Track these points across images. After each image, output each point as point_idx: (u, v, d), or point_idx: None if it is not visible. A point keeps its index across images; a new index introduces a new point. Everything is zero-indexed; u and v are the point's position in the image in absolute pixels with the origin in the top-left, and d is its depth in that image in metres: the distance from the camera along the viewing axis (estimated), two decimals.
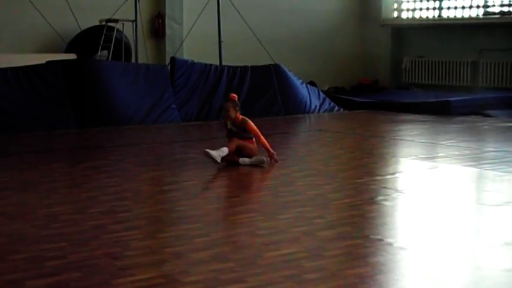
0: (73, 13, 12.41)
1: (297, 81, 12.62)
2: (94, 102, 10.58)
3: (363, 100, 13.44)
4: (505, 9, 14.32)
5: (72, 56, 11.79)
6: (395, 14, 16.24)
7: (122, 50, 12.57)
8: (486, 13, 14.64)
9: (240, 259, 4.37)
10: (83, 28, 12.62)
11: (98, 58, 12.22)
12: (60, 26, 12.57)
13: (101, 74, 10.73)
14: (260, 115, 11.68)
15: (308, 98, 12.56)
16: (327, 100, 12.95)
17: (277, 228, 5.08)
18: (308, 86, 12.91)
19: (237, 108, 7.63)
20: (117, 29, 12.47)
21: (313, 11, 15.60)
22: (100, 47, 12.37)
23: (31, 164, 7.75)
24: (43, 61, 10.60)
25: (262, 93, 12.08)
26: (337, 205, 5.89)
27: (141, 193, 6.54)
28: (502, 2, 14.35)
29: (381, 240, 4.83)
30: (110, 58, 12.34)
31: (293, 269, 4.14)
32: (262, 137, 7.63)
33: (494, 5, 14.49)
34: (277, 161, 7.57)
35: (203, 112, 11.52)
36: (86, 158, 8.28)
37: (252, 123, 7.61)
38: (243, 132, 7.59)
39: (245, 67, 12.14)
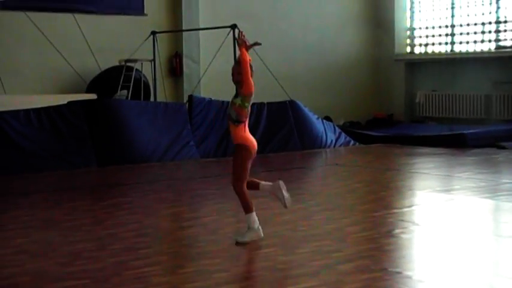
0: (93, 54, 12.58)
1: (313, 117, 12.64)
2: (114, 141, 10.64)
3: (378, 134, 13.43)
4: None
5: (92, 96, 11.90)
6: (409, 49, 16.30)
7: (141, 89, 12.68)
8: (498, 47, 14.65)
9: None
10: (102, 68, 12.77)
11: (117, 97, 12.32)
12: (81, 67, 12.72)
13: (121, 113, 10.81)
14: (277, 150, 11.72)
15: (324, 132, 12.56)
16: (343, 134, 12.95)
17: (297, 262, 5.07)
18: (324, 121, 12.92)
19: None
20: (136, 68, 12.59)
21: (328, 47, 15.69)
22: (120, 87, 12.48)
23: (54, 202, 7.80)
24: (65, 101, 10.70)
25: (278, 128, 12.11)
26: (355, 238, 5.87)
27: (161, 229, 6.54)
28: None
29: (399, 273, 4.80)
30: (129, 97, 12.44)
31: None
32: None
33: (506, 39, 14.50)
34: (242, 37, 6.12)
35: (221, 148, 11.54)
36: (107, 195, 8.31)
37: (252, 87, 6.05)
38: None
39: (261, 103, 12.18)
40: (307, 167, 10.89)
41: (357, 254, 5.36)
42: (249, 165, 5.76)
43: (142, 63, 12.74)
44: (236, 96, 5.93)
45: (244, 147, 5.76)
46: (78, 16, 12.65)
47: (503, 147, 11.77)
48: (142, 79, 12.81)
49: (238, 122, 5.83)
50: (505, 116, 14.22)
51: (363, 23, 16.33)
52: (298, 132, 12.24)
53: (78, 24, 12.57)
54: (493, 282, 4.59)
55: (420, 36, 16.10)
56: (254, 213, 5.69)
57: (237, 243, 5.59)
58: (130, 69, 12.53)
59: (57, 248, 5.65)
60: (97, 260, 5.21)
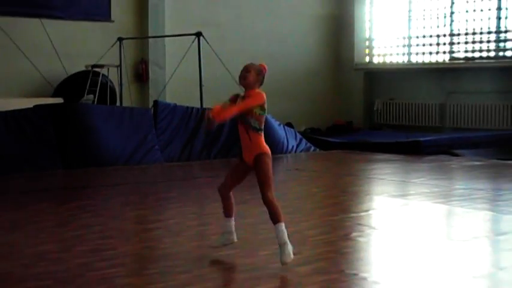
0: (60, 59, 12.46)
1: (275, 123, 12.67)
2: (80, 144, 10.55)
3: (337, 140, 13.51)
4: (469, 55, 14.54)
5: (59, 100, 11.80)
6: (367, 59, 16.44)
7: (107, 94, 12.60)
8: (452, 58, 14.85)
9: None
10: (69, 73, 12.66)
11: (84, 102, 12.22)
12: (48, 71, 12.61)
13: (87, 117, 10.72)
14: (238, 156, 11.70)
15: (285, 138, 12.60)
16: (304, 141, 13.00)
17: (257, 264, 5.07)
18: (285, 127, 12.96)
19: (260, 78, 5.35)
20: (103, 74, 12.51)
21: (291, 56, 15.77)
22: (86, 91, 12.40)
23: (19, 204, 7.70)
24: (31, 105, 10.58)
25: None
26: (314, 241, 5.89)
27: (125, 231, 6.50)
28: (466, 48, 14.57)
29: (355, 274, 4.83)
30: (95, 102, 12.36)
31: None
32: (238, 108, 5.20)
33: (459, 51, 14.70)
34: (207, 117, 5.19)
35: (185, 153, 11.52)
36: (72, 197, 8.23)
37: (263, 96, 5.29)
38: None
39: None
40: None
41: (316, 257, 5.39)
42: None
43: (108, 69, 12.67)
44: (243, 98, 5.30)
45: (268, 156, 5.43)
46: (45, 21, 12.53)
47: (457, 155, 11.92)
48: (109, 84, 12.73)
49: (261, 130, 5.36)
50: (458, 124, 14.42)
51: (324, 34, 16.44)
52: None
53: (45, 30, 12.45)
54: (445, 283, 4.64)
55: (379, 47, 16.26)
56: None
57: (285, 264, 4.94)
58: (96, 74, 12.45)
59: (22, 249, 5.57)
60: (61, 262, 5.15)
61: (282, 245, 4.97)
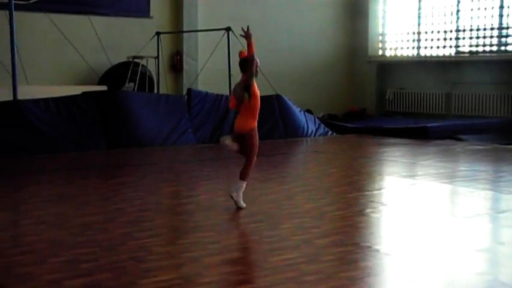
0: (105, 51, 12.50)
1: (296, 109, 12.62)
2: (122, 127, 10.59)
3: (352, 126, 13.43)
4: (473, 49, 14.35)
5: (103, 88, 11.84)
6: (380, 52, 16.29)
7: (146, 82, 12.62)
8: (457, 52, 14.67)
9: (248, 263, 4.36)
10: (113, 64, 12.70)
11: (125, 89, 12.26)
12: (94, 61, 12.66)
13: (128, 103, 10.75)
14: (264, 138, 11.56)
15: (305, 123, 12.55)
16: (322, 126, 12.94)
17: (280, 236, 5.06)
18: (305, 113, 12.90)
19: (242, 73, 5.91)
20: (142, 64, 12.53)
21: (310, 50, 15.69)
22: (127, 80, 12.43)
23: (68, 180, 7.76)
24: (79, 92, 10.64)
25: (266, 119, 12.07)
26: (331, 216, 5.87)
27: (162, 205, 6.52)
28: (470, 43, 14.39)
29: (369, 247, 4.80)
30: (135, 89, 12.39)
31: (294, 272, 4.12)
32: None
33: (464, 45, 14.52)
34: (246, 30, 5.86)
35: (215, 136, 11.50)
36: (114, 175, 8.27)
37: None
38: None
39: None
40: (290, 153, 10.89)
41: (332, 230, 5.37)
42: None
43: (147, 60, 12.69)
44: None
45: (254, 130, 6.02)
46: (92, 18, 12.57)
47: (461, 139, 11.81)
48: (148, 74, 12.75)
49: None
50: (462, 112, 14.26)
51: (341, 30, 16.30)
52: (283, 122, 12.22)
53: (92, 25, 12.49)
54: (449, 256, 4.60)
55: (391, 41, 16.10)
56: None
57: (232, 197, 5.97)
58: (137, 64, 12.47)
59: (71, 220, 5.62)
60: (105, 231, 5.19)
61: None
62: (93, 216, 5.71)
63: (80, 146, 10.07)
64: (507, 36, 13.70)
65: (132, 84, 12.52)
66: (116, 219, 5.63)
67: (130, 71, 12.38)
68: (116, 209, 6.06)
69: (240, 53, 6.01)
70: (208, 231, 5.22)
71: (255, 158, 6.01)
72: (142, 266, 4.26)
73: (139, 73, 12.41)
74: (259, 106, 5.94)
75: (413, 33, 15.53)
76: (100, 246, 4.73)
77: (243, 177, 6.00)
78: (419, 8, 15.39)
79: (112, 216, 5.76)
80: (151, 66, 12.90)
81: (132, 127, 10.66)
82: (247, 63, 5.84)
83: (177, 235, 5.37)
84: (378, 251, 4.69)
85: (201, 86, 13.15)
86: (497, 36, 13.86)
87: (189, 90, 11.86)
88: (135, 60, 12.46)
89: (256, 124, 5.97)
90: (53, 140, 9.94)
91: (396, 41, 15.96)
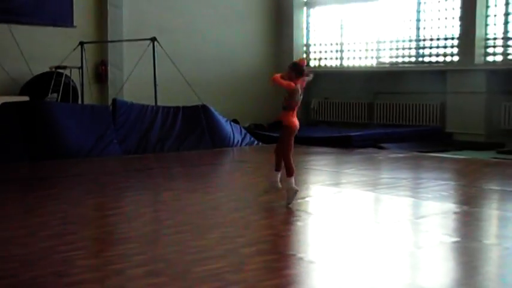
0: (26, 61, 12.18)
1: (222, 119, 12.64)
2: (45, 139, 10.33)
3: (278, 135, 13.45)
4: (393, 60, 14.77)
5: (25, 98, 11.52)
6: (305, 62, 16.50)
7: (70, 93, 12.37)
8: (379, 63, 15.05)
9: (172, 274, 4.32)
10: (35, 74, 12.38)
11: (48, 100, 11.97)
12: (15, 71, 12.31)
13: (51, 114, 10.51)
14: (190, 149, 11.66)
15: (232, 133, 12.58)
16: (248, 135, 12.99)
17: (206, 246, 5.05)
18: (231, 123, 12.93)
19: (293, 74, 6.74)
20: (66, 74, 12.28)
21: (237, 59, 15.74)
22: (50, 91, 12.14)
23: None
24: None
25: (192, 129, 12.05)
26: (256, 226, 5.90)
27: (86, 218, 6.39)
28: (390, 54, 14.80)
29: (293, 255, 4.85)
30: (59, 100, 12.12)
31: (219, 282, 4.12)
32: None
33: (384, 56, 14.92)
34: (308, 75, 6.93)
35: (141, 146, 11.39)
36: (37, 187, 8.06)
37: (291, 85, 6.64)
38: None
39: (177, 107, 12.10)
40: (217, 163, 10.89)
41: (258, 239, 5.39)
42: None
43: (71, 70, 12.43)
44: None
45: (288, 127, 7.08)
46: (13, 27, 12.23)
47: (383, 148, 12.08)
48: (71, 84, 12.50)
49: (286, 108, 6.81)
50: (384, 121, 14.62)
51: (267, 40, 16.44)
52: (209, 132, 12.21)
53: (12, 34, 12.15)
54: (373, 262, 4.70)
55: (315, 52, 16.37)
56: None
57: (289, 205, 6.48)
58: (60, 75, 12.20)
59: None
60: (26, 246, 5.04)
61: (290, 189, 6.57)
62: (14, 231, 5.54)
63: (0, 159, 9.75)
64: (424, 47, 14.16)
65: (55, 94, 12.23)
66: (38, 232, 5.48)
67: (53, 81, 12.10)
68: (38, 222, 5.90)
69: (300, 60, 7.05)
70: (133, 242, 5.16)
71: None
72: (64, 280, 4.17)
73: (62, 83, 12.15)
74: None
75: (337, 44, 15.85)
76: (20, 261, 4.59)
77: (289, 174, 6.74)
78: (342, 20, 15.71)
79: (34, 229, 5.61)
80: (75, 77, 12.65)
81: (56, 138, 10.42)
82: (301, 73, 6.78)
83: (101, 247, 5.28)
84: (302, 259, 4.74)
85: (127, 96, 12.98)
86: (415, 48, 14.31)
87: (114, 100, 11.69)
88: (58, 70, 12.19)
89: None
90: None
91: (320, 52, 16.23)
